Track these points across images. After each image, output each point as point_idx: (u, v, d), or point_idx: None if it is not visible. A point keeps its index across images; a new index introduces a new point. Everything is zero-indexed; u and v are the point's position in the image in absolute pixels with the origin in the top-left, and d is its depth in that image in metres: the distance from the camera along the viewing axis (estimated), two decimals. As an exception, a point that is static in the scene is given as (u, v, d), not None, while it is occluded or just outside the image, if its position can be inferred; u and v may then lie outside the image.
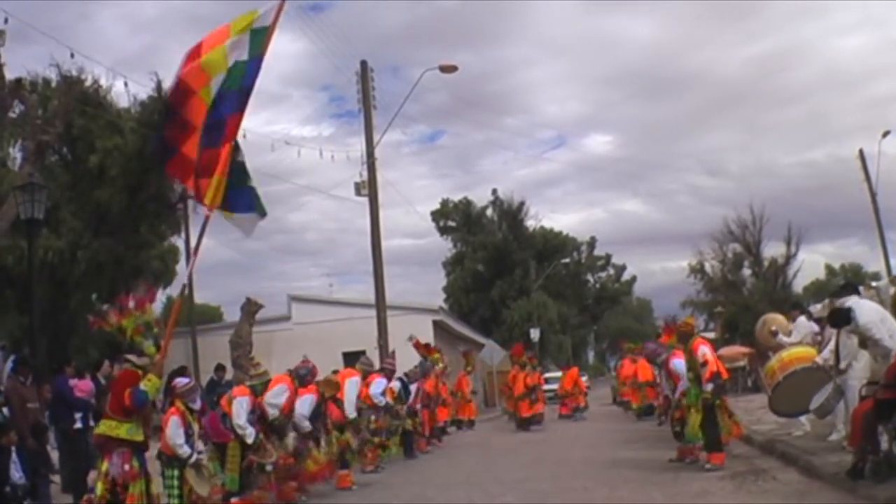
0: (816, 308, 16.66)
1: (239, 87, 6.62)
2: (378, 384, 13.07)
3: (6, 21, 14.49)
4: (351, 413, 11.44)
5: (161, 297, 27.79)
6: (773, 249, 34.95)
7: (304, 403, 9.92)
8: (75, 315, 20.96)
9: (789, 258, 34.66)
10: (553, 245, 60.53)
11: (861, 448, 7.07)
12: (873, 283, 12.70)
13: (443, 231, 59.14)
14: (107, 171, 21.32)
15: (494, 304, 53.20)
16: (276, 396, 9.40)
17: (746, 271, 36.02)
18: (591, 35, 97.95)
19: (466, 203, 59.29)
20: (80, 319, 19.81)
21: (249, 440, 8.72)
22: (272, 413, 9.29)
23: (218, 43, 6.68)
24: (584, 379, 26.81)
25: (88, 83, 21.54)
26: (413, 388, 14.79)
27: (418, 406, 15.26)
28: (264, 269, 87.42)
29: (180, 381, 7.66)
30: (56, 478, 10.12)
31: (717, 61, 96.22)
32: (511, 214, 57.33)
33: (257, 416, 9.05)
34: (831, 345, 9.25)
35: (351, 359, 16.87)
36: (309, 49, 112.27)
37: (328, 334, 25.21)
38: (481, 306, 53.53)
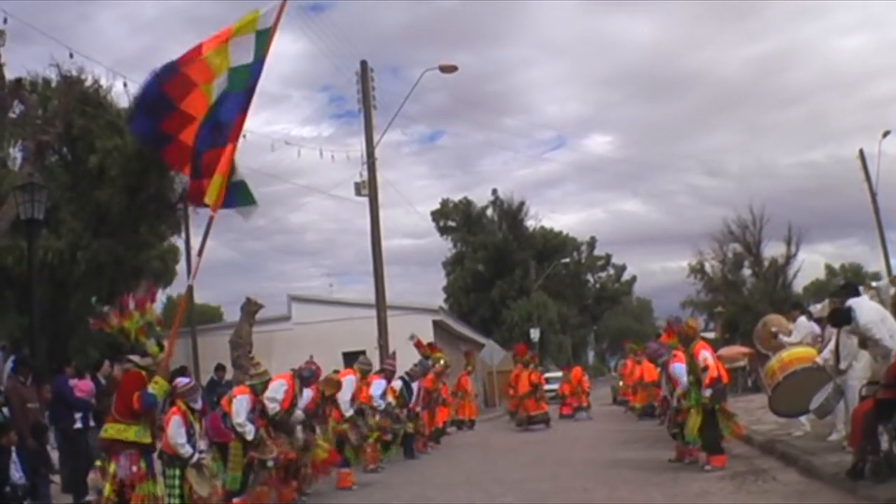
0: (816, 308, 16.66)
1: (243, 89, 6.64)
2: (377, 385, 13.06)
3: (5, 21, 14.49)
4: (347, 411, 11.44)
5: (161, 297, 27.82)
6: (773, 249, 34.98)
7: (303, 399, 10.03)
8: (75, 315, 20.97)
9: (789, 258, 34.66)
10: (553, 245, 60.54)
11: (861, 448, 7.07)
12: (873, 284, 12.68)
13: (443, 231, 59.17)
14: (107, 172, 21.30)
15: (494, 304, 53.21)
16: (275, 391, 9.47)
17: (746, 271, 36.02)
18: (591, 35, 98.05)
19: (466, 203, 59.31)
20: (80, 320, 19.83)
21: (249, 437, 8.77)
22: (272, 407, 9.33)
23: (221, 42, 6.69)
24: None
25: (88, 83, 21.52)
26: (415, 386, 14.79)
27: (419, 409, 15.25)
28: (264, 269, 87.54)
29: (181, 381, 7.67)
30: (56, 478, 10.12)
31: (717, 61, 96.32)
32: (511, 214, 57.36)
33: (258, 413, 9.08)
34: (831, 345, 9.25)
35: (351, 359, 16.86)
36: (309, 49, 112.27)
37: (328, 334, 25.20)
38: (481, 306, 53.53)
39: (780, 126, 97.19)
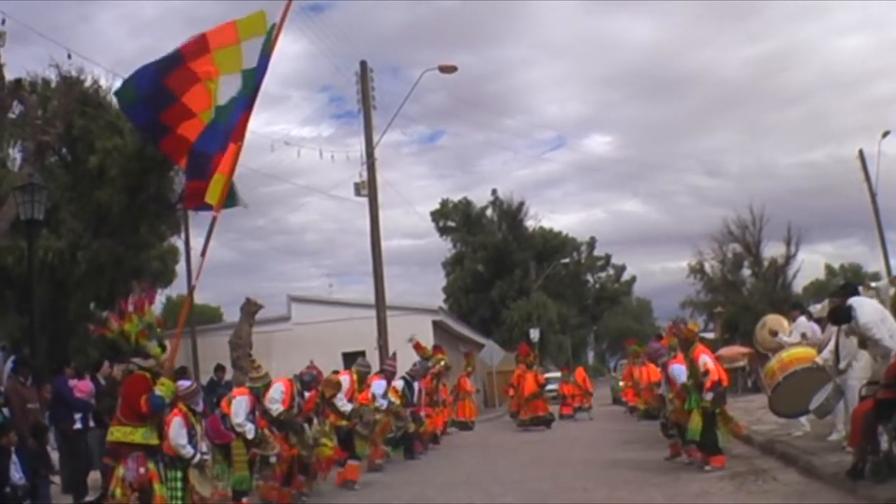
0: (816, 308, 16.65)
1: (251, 89, 6.65)
2: (378, 386, 13.06)
3: (3, 22, 14.45)
4: (345, 406, 11.44)
5: (160, 297, 27.79)
6: (772, 249, 34.99)
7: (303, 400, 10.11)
8: (75, 316, 20.97)
9: (789, 258, 34.67)
10: (553, 245, 60.52)
11: (861, 448, 7.07)
12: (872, 284, 12.68)
13: (442, 231, 59.12)
14: (106, 172, 21.31)
15: (494, 304, 53.20)
16: (275, 393, 9.63)
17: (746, 271, 36.03)
18: (591, 35, 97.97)
19: (466, 203, 59.27)
20: (80, 320, 19.83)
21: (250, 436, 8.85)
22: (275, 408, 9.47)
23: (231, 41, 6.68)
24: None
25: (88, 84, 21.55)
26: (416, 385, 14.80)
27: (423, 414, 15.26)
28: (264, 269, 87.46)
29: (182, 384, 7.66)
30: (56, 478, 10.13)
31: (717, 61, 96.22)
32: (511, 215, 57.34)
33: (258, 414, 9.12)
34: (831, 345, 9.26)
35: (350, 359, 16.87)
36: (309, 49, 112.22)
37: (328, 335, 25.19)
38: (481, 307, 53.52)
39: (780, 126, 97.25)
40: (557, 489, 9.44)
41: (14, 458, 8.13)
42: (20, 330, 19.00)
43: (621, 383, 26.34)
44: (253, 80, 6.67)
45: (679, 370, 10.45)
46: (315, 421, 10.28)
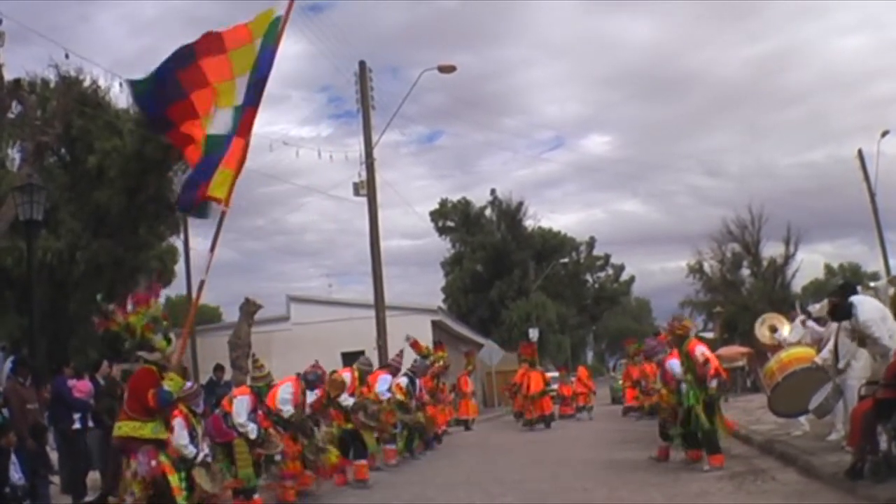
0: (815, 308, 16.66)
1: (255, 80, 6.64)
2: (383, 381, 13.07)
3: (0, 22, 14.43)
4: (346, 401, 11.42)
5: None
6: (772, 249, 35.09)
7: (308, 399, 10.13)
8: (75, 316, 20.95)
9: (788, 258, 34.77)
10: (552, 245, 60.52)
11: (860, 448, 7.08)
12: (872, 284, 12.71)
13: (441, 231, 59.10)
14: (106, 172, 21.32)
15: (493, 304, 53.19)
16: (284, 394, 9.61)
17: (745, 271, 36.12)
18: (591, 35, 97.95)
19: (465, 203, 59.26)
20: (80, 320, 19.83)
21: (252, 436, 8.80)
22: (286, 410, 9.46)
23: (245, 41, 6.67)
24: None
25: (87, 84, 21.54)
26: (418, 382, 14.87)
27: (426, 398, 15.27)
28: (263, 269, 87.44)
29: (184, 386, 7.66)
30: (55, 479, 10.12)
31: (717, 61, 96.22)
32: (510, 215, 57.32)
33: (262, 413, 9.11)
34: (830, 345, 9.26)
35: (350, 359, 16.87)
36: (308, 49, 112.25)
37: (327, 335, 25.20)
38: (480, 306, 53.51)
39: (779, 126, 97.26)
40: (557, 489, 9.44)
41: (13, 458, 8.13)
42: (20, 330, 18.98)
43: (620, 383, 26.37)
44: (253, 70, 6.64)
45: (675, 365, 10.39)
46: (322, 424, 10.29)
